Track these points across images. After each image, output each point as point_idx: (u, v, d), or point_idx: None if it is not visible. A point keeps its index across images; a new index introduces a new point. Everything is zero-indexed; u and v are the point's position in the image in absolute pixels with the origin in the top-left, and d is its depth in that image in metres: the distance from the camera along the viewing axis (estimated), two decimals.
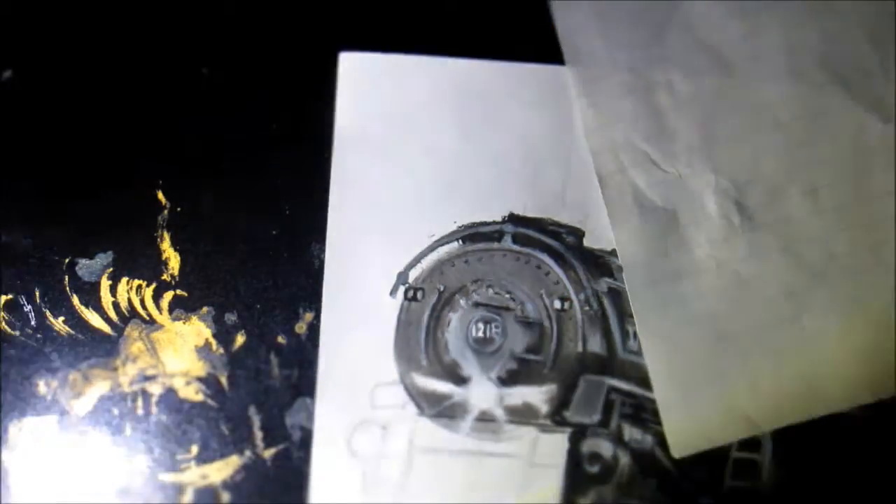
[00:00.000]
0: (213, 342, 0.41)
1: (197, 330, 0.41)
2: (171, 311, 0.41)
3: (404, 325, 0.41)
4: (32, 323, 0.40)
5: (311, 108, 0.41)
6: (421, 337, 0.41)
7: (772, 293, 0.40)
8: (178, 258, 0.41)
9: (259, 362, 0.41)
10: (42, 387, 0.41)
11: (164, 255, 0.41)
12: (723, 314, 0.40)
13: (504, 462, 0.41)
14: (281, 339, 0.41)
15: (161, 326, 0.41)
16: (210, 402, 0.41)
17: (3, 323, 0.40)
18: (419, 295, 0.41)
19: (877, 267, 0.40)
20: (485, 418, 0.41)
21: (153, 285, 0.41)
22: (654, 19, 0.42)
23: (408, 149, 0.42)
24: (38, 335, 0.40)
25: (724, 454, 0.40)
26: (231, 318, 0.41)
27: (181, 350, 0.41)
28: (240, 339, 0.41)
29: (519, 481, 0.41)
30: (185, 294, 0.41)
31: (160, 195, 0.41)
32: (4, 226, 0.40)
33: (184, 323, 0.41)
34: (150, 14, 0.40)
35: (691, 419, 0.40)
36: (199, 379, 0.41)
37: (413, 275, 0.41)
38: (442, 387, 0.41)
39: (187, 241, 0.41)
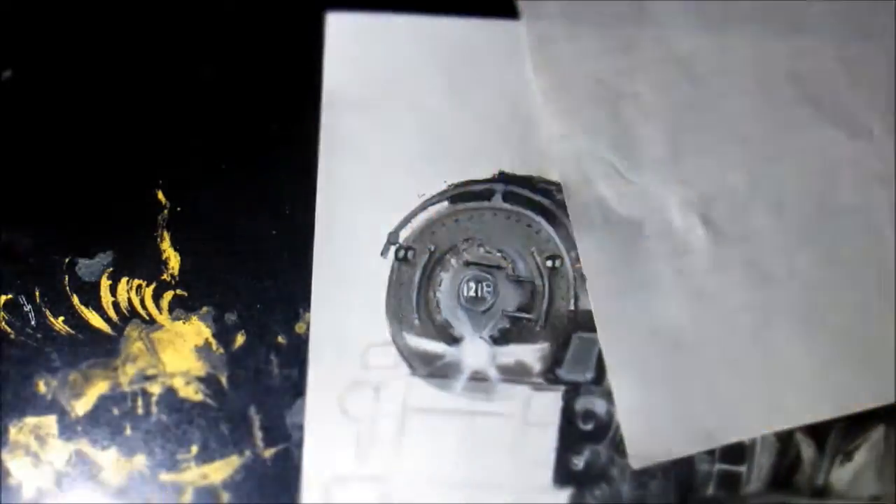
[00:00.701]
0: (213, 342, 0.41)
1: (197, 330, 0.41)
2: (171, 310, 0.41)
3: (395, 286, 0.41)
4: (32, 323, 0.40)
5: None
6: (412, 297, 0.41)
7: (734, 306, 0.40)
8: (178, 258, 0.41)
9: (259, 362, 0.41)
10: (42, 387, 0.41)
11: (164, 255, 0.41)
12: (685, 326, 0.40)
13: (497, 421, 0.41)
14: (281, 339, 0.41)
15: (161, 326, 0.41)
16: (210, 402, 0.41)
17: (3, 323, 0.40)
18: (410, 255, 0.41)
19: (840, 281, 0.40)
20: (477, 377, 0.41)
21: (153, 285, 0.41)
22: (624, 30, 0.42)
23: (396, 108, 0.42)
24: (38, 335, 0.40)
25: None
26: (231, 318, 0.41)
27: (181, 350, 0.41)
28: (240, 339, 0.41)
29: (512, 440, 0.41)
30: (185, 294, 0.41)
31: (160, 195, 0.41)
32: (4, 226, 0.40)
33: (184, 323, 0.41)
34: (150, 13, 0.40)
35: (651, 430, 0.40)
36: (199, 379, 0.41)
37: (403, 235, 0.41)
38: (434, 346, 0.41)
39: (187, 241, 0.41)
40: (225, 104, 0.41)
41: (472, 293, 0.42)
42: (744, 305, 0.40)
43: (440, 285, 0.42)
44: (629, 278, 0.41)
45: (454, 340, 0.41)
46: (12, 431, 0.40)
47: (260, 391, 0.41)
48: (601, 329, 0.41)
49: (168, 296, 0.41)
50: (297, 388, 0.41)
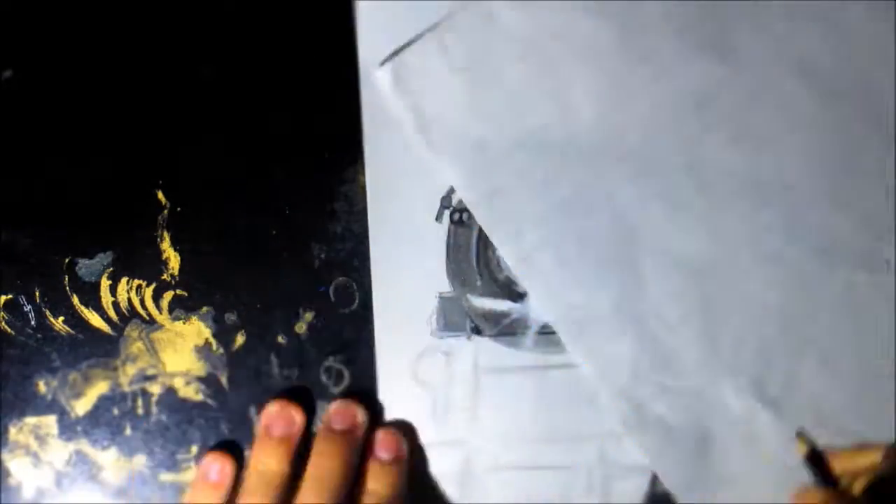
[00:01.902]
0: (213, 342, 0.41)
1: (197, 330, 0.41)
2: (171, 311, 0.41)
3: (454, 249, 0.41)
4: (32, 323, 0.40)
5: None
6: (472, 258, 0.41)
7: None
8: (178, 258, 0.41)
9: (259, 362, 0.41)
10: (42, 387, 0.40)
11: (164, 255, 0.41)
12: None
13: (571, 372, 0.41)
14: (281, 339, 0.41)
15: (161, 326, 0.41)
16: (210, 402, 0.41)
17: (3, 323, 0.40)
18: (465, 217, 0.41)
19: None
20: (546, 331, 0.41)
21: (153, 285, 0.41)
22: (618, 256, 0.41)
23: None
24: (38, 335, 0.40)
25: None
26: (231, 318, 0.41)
27: (181, 350, 0.41)
28: (240, 339, 0.41)
29: (589, 390, 0.41)
30: (185, 294, 0.41)
31: (160, 195, 0.41)
32: (4, 226, 0.40)
33: (184, 323, 0.41)
34: (150, 13, 0.40)
35: None
36: (199, 379, 0.41)
37: (456, 198, 0.41)
38: (499, 305, 0.42)
39: (187, 241, 0.41)
40: (225, 104, 0.41)
41: None
42: None
43: None
44: (713, 481, 0.41)
45: (519, 297, 0.42)
46: (12, 431, 0.40)
47: (260, 391, 0.41)
48: None
49: (168, 296, 0.41)
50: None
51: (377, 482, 0.40)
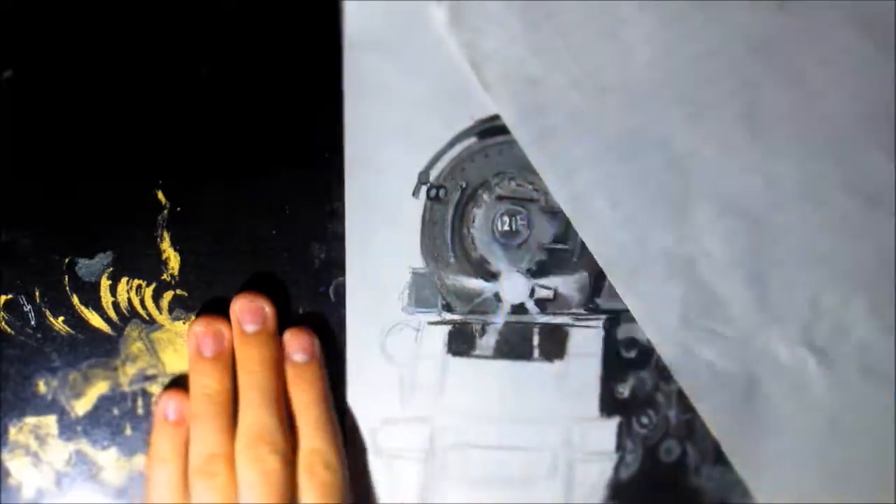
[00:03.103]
0: None
1: None
2: (171, 310, 0.41)
3: (429, 225, 0.41)
4: (32, 323, 0.40)
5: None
6: (447, 235, 0.41)
7: (866, 424, 0.41)
8: (178, 258, 0.41)
9: None
10: (42, 387, 0.41)
11: (164, 255, 0.41)
12: (825, 457, 0.41)
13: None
14: None
15: (161, 326, 0.41)
16: None
17: (3, 323, 0.40)
18: (441, 193, 0.41)
19: None
20: (517, 312, 0.41)
21: (153, 285, 0.41)
22: (671, 199, 0.41)
23: (419, 47, 0.41)
24: (38, 335, 0.40)
25: None
26: None
27: (181, 350, 0.41)
28: None
29: (556, 372, 0.41)
30: (185, 294, 0.41)
31: (160, 195, 0.40)
32: (4, 226, 0.40)
33: (184, 323, 0.41)
34: (150, 13, 0.40)
35: None
36: None
37: (434, 174, 0.41)
38: (472, 283, 0.41)
39: (187, 241, 0.41)
40: (225, 104, 0.40)
41: (506, 227, 0.41)
42: (876, 418, 0.41)
43: (474, 222, 0.41)
44: (758, 428, 0.41)
45: (491, 276, 0.41)
46: (12, 431, 0.41)
47: None
48: (749, 482, 0.41)
49: (168, 296, 0.41)
50: None
51: (296, 385, 0.39)
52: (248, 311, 0.39)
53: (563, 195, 0.40)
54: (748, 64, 0.40)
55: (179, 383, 0.40)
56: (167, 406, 0.39)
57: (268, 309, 0.39)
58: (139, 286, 0.41)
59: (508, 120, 0.40)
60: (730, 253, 0.41)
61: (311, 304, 0.41)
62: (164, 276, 0.41)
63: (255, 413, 0.38)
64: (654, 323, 0.41)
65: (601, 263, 0.41)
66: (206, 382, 0.38)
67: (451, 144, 0.41)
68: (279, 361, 0.39)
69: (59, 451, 0.41)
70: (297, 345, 0.40)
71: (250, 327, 0.39)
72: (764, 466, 0.41)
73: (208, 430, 0.38)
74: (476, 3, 0.40)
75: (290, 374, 0.39)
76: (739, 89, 0.40)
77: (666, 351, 0.41)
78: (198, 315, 0.40)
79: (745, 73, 0.40)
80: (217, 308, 0.40)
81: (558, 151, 0.40)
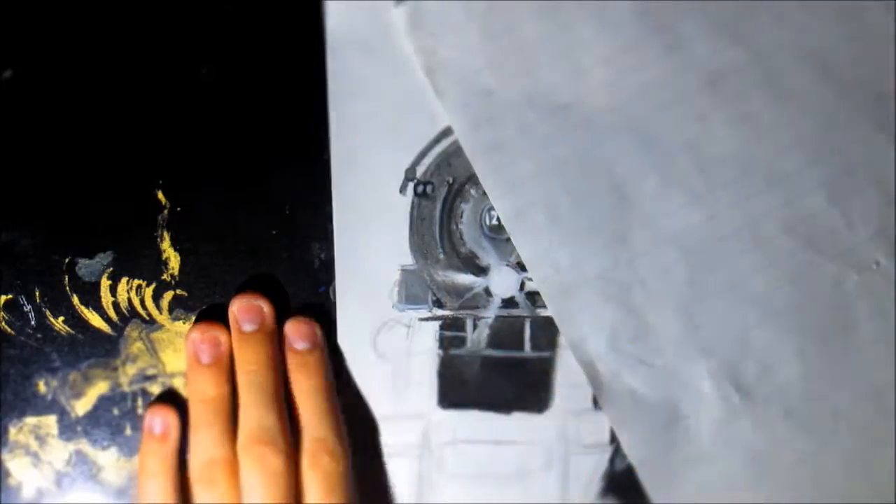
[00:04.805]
0: None
1: None
2: (171, 310, 0.41)
3: (417, 222, 0.41)
4: (32, 323, 0.40)
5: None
6: (435, 231, 0.42)
7: (789, 462, 0.41)
8: (178, 258, 0.41)
9: None
10: (42, 387, 0.41)
11: (164, 255, 0.41)
12: (743, 493, 0.41)
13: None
14: None
15: (161, 326, 0.41)
16: None
17: (3, 323, 0.40)
18: (429, 189, 0.41)
19: (878, 416, 0.41)
20: (508, 306, 0.42)
21: (153, 285, 0.41)
22: (611, 223, 0.41)
23: (401, 44, 0.41)
24: (38, 335, 0.40)
25: None
26: None
27: (181, 350, 0.41)
28: None
29: (550, 365, 0.42)
30: (185, 294, 0.41)
31: (160, 195, 0.41)
32: (4, 226, 0.40)
33: (184, 323, 0.41)
34: (150, 13, 0.40)
35: None
36: None
37: (420, 170, 0.41)
38: (462, 278, 0.42)
39: (187, 241, 0.41)
40: (225, 104, 0.41)
41: (494, 221, 0.42)
42: (794, 460, 0.41)
43: (462, 217, 0.42)
44: (677, 459, 0.41)
45: (481, 270, 0.42)
46: (12, 431, 0.40)
47: None
48: None
49: (168, 296, 0.41)
50: None
51: (298, 373, 0.39)
52: (247, 310, 0.40)
53: (504, 208, 0.41)
54: (700, 96, 0.41)
55: (164, 398, 0.41)
56: (152, 421, 0.39)
57: (266, 308, 0.40)
58: (139, 286, 0.41)
59: (458, 128, 0.41)
60: (664, 283, 0.41)
61: (311, 305, 0.41)
62: (164, 276, 0.41)
63: (255, 413, 0.38)
64: (583, 346, 0.41)
65: (535, 280, 0.41)
66: (204, 389, 0.39)
67: (437, 140, 0.41)
68: (278, 361, 0.39)
69: (59, 451, 0.41)
70: (298, 333, 0.40)
71: (248, 326, 0.39)
72: (681, 498, 0.41)
73: (207, 437, 0.38)
74: (436, 9, 0.40)
75: (292, 363, 0.39)
76: (688, 121, 0.41)
77: (592, 374, 0.41)
78: (195, 322, 0.40)
79: (696, 105, 0.41)
80: (215, 314, 0.41)
81: (504, 164, 0.41)
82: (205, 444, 0.38)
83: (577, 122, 0.41)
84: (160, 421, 0.39)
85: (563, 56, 0.41)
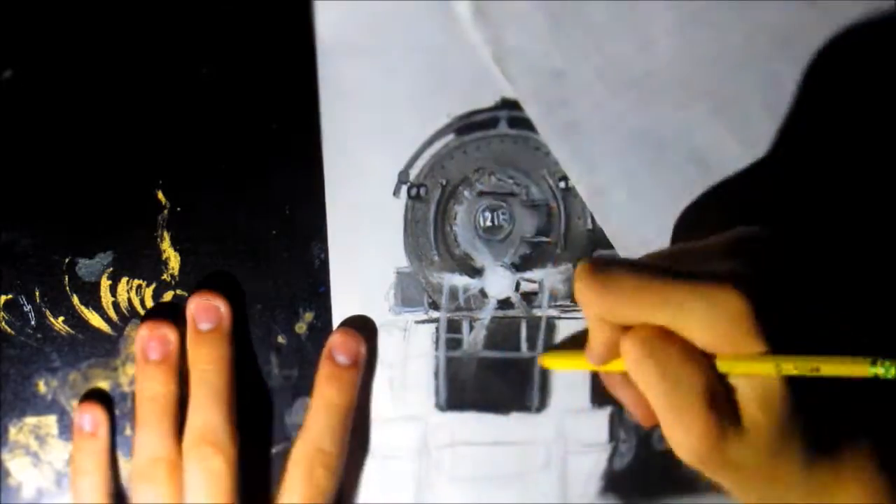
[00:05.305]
0: None
1: None
2: None
3: (411, 224, 0.41)
4: (32, 323, 0.40)
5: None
6: (430, 233, 0.42)
7: None
8: (178, 258, 0.41)
9: (259, 362, 0.41)
10: (42, 387, 0.41)
11: (164, 255, 0.41)
12: None
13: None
14: (281, 339, 0.41)
15: None
16: None
17: (3, 323, 0.40)
18: (422, 192, 0.41)
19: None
20: (504, 307, 0.42)
21: (153, 285, 0.41)
22: (692, 192, 0.41)
23: (393, 47, 0.41)
24: (38, 335, 0.40)
25: None
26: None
27: None
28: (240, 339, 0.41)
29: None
30: (185, 294, 0.41)
31: (160, 195, 0.41)
32: (4, 226, 0.40)
33: None
34: (150, 14, 0.40)
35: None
36: None
37: (413, 173, 0.41)
38: (457, 280, 0.42)
39: (187, 241, 0.41)
40: (225, 104, 0.41)
41: (488, 223, 0.42)
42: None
43: (455, 218, 0.42)
44: None
45: (476, 272, 0.42)
46: (12, 431, 0.40)
47: (260, 391, 0.41)
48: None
49: (168, 296, 0.41)
50: (296, 388, 0.41)
51: (331, 387, 0.40)
52: (203, 309, 0.39)
53: (584, 188, 0.41)
54: (771, 57, 0.41)
55: (92, 395, 0.40)
56: (82, 418, 0.39)
57: (223, 309, 0.40)
58: (139, 286, 0.41)
59: (532, 113, 0.41)
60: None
61: (311, 304, 0.41)
62: (164, 276, 0.41)
63: (204, 412, 0.38)
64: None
65: (622, 256, 0.41)
66: (151, 386, 0.39)
67: (430, 142, 0.41)
68: (232, 362, 0.39)
69: (59, 451, 0.41)
70: (345, 347, 0.40)
71: (204, 325, 0.39)
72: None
73: (152, 434, 0.38)
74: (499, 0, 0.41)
75: (330, 374, 0.40)
76: (762, 83, 0.41)
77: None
78: (143, 319, 0.40)
79: (768, 66, 0.41)
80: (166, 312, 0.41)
81: (581, 144, 0.41)
82: (149, 441, 0.38)
83: (651, 95, 0.41)
84: (89, 418, 0.39)
85: (632, 29, 0.41)
